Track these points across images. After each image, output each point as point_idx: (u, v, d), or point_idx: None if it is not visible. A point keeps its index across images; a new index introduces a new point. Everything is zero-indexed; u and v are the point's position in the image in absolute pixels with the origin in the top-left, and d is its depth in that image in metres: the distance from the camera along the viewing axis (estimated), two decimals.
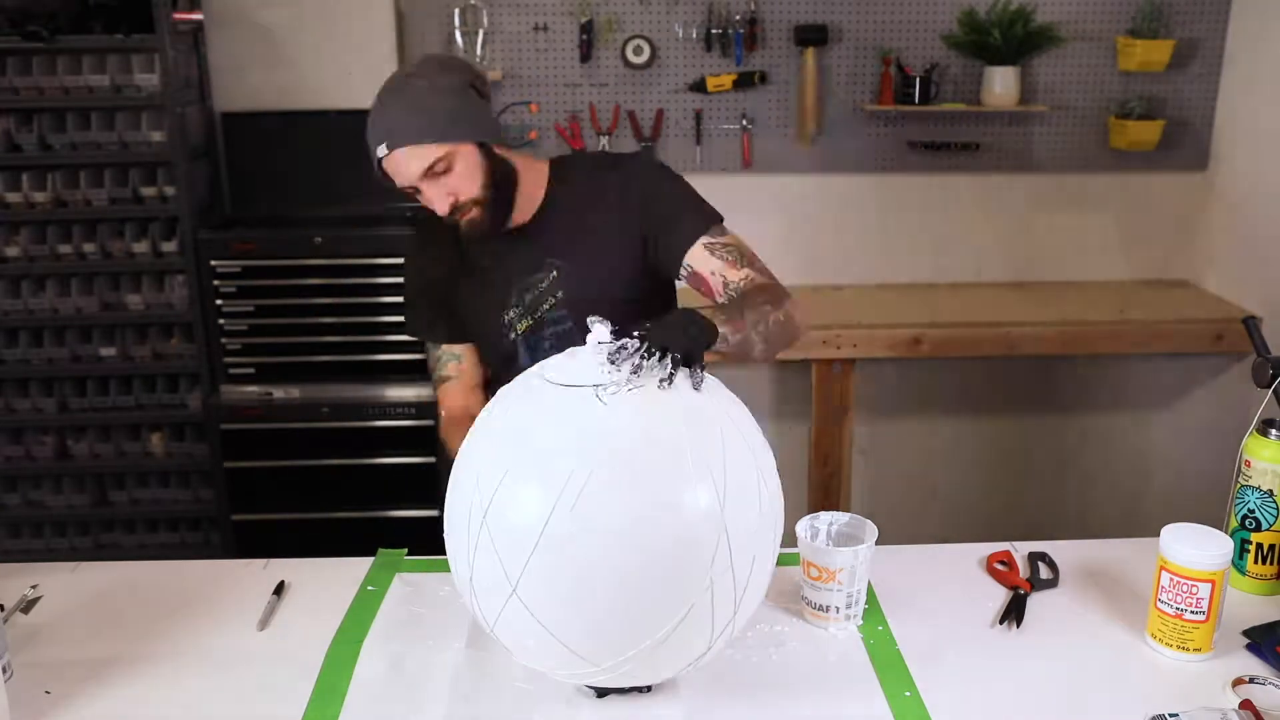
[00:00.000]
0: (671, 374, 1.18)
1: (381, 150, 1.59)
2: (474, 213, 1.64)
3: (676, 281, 1.75)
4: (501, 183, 1.66)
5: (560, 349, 1.64)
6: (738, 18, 3.17)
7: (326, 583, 1.56)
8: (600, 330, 1.22)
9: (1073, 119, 3.32)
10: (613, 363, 1.18)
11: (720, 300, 1.63)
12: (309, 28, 3.12)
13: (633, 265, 1.71)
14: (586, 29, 3.16)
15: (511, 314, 1.74)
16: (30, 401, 3.03)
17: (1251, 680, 1.31)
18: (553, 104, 3.23)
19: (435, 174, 1.60)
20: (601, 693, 1.28)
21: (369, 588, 1.56)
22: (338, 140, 3.10)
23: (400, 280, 1.89)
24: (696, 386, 1.20)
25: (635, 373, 1.17)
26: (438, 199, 1.62)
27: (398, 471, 2.97)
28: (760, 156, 3.29)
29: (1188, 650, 1.35)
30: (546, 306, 1.72)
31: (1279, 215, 3.01)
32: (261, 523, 3.02)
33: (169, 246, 2.94)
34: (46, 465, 3.08)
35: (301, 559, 1.63)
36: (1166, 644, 1.36)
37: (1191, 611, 1.33)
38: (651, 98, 3.24)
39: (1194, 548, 1.33)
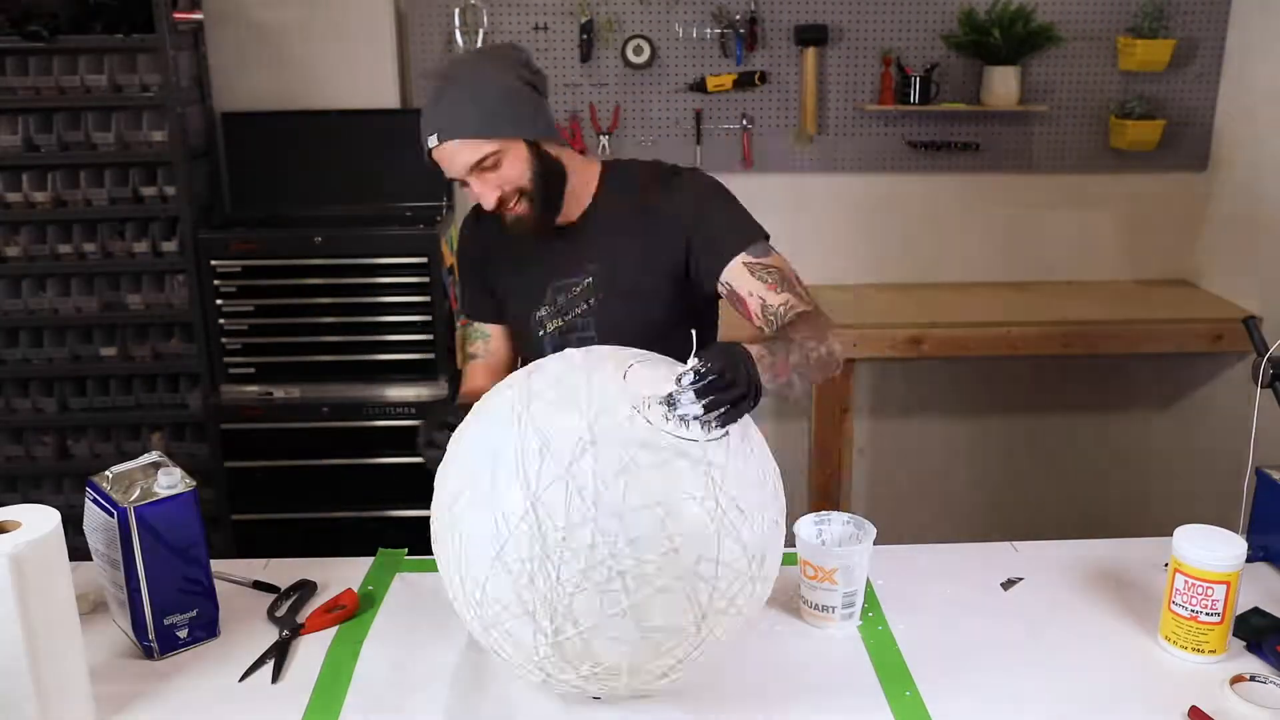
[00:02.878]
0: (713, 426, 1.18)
1: (432, 141, 1.60)
2: (520, 207, 1.63)
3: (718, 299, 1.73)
4: (550, 181, 1.64)
5: None
6: (738, 18, 3.17)
7: (326, 583, 1.56)
8: (629, 372, 1.22)
9: (1073, 119, 3.32)
10: (672, 402, 1.18)
11: (758, 324, 1.61)
12: (309, 28, 3.12)
13: (669, 283, 1.68)
14: (586, 29, 3.16)
15: (543, 312, 1.73)
16: (30, 401, 3.03)
17: (1252, 679, 1.31)
18: (553, 104, 3.20)
19: (484, 168, 1.59)
20: (600, 693, 1.28)
21: (369, 588, 1.56)
22: (338, 140, 3.11)
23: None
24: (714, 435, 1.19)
25: (684, 421, 1.17)
26: (485, 192, 1.61)
27: (398, 471, 2.97)
28: (760, 156, 3.29)
29: (1203, 652, 1.35)
30: (578, 311, 1.71)
31: (1279, 215, 3.01)
32: (261, 522, 3.02)
33: (169, 246, 2.94)
34: (46, 465, 3.09)
35: (301, 559, 1.63)
36: (1181, 646, 1.36)
37: (1206, 614, 1.33)
38: (651, 98, 3.24)
39: (1208, 550, 1.33)
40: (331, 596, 1.51)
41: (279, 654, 1.36)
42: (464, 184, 1.62)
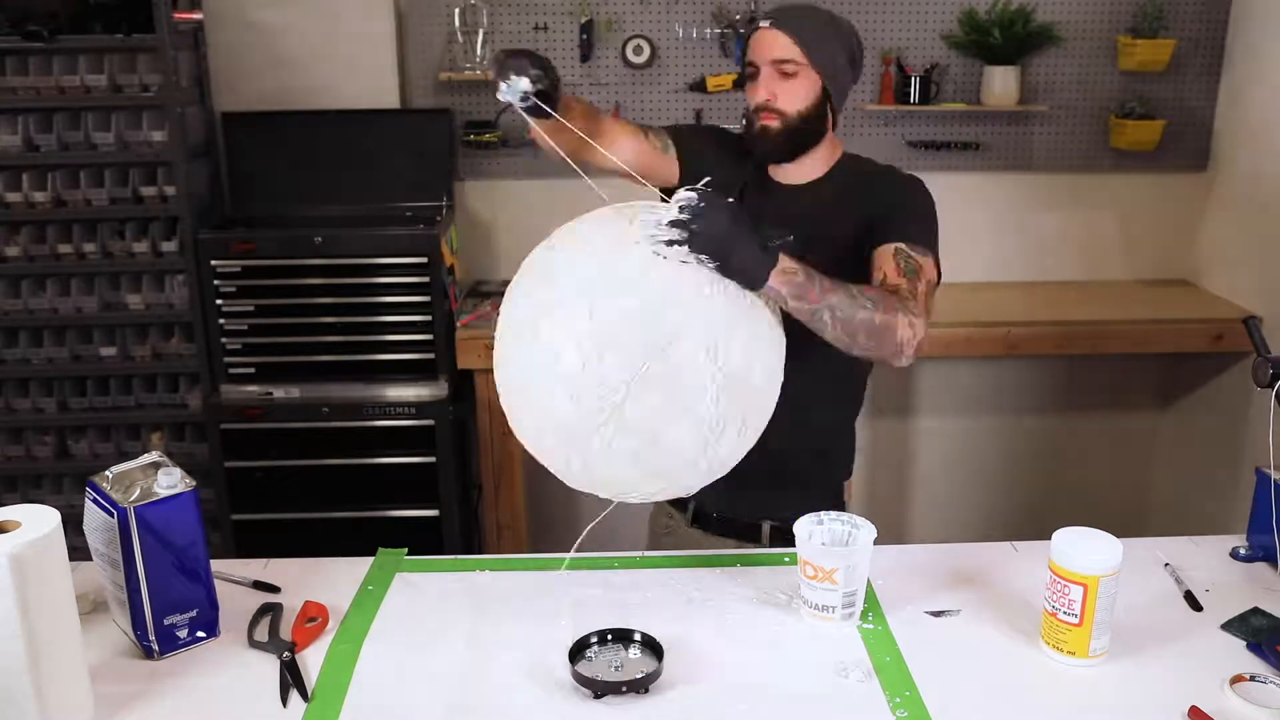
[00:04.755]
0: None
1: (765, 22, 1.69)
2: (775, 122, 1.69)
3: None
4: (811, 124, 1.71)
5: None
6: (738, 18, 3.17)
7: (326, 583, 1.56)
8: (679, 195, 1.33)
9: (1073, 119, 3.32)
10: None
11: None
12: (309, 28, 3.12)
13: (852, 268, 1.64)
14: (586, 29, 3.15)
15: None
16: (30, 401, 3.03)
17: (1252, 679, 1.31)
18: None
19: (782, 70, 1.67)
20: (600, 693, 1.28)
21: (369, 588, 1.56)
22: (338, 140, 3.11)
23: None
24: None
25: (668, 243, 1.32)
26: (762, 87, 1.68)
27: (398, 471, 2.97)
28: None
29: (1063, 651, 1.36)
30: None
31: (1279, 215, 3.01)
32: (261, 523, 3.01)
33: (169, 246, 2.94)
34: (46, 465, 3.09)
35: (301, 559, 1.63)
36: (1046, 640, 1.37)
37: (1065, 613, 1.34)
38: (651, 98, 3.24)
39: (1074, 549, 1.33)
40: (298, 612, 1.48)
41: (293, 675, 1.34)
42: (753, 72, 1.69)
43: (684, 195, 1.33)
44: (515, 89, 1.46)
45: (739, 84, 3.19)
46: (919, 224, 1.69)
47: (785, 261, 1.38)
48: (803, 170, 1.76)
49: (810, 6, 1.73)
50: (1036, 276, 3.44)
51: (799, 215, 1.70)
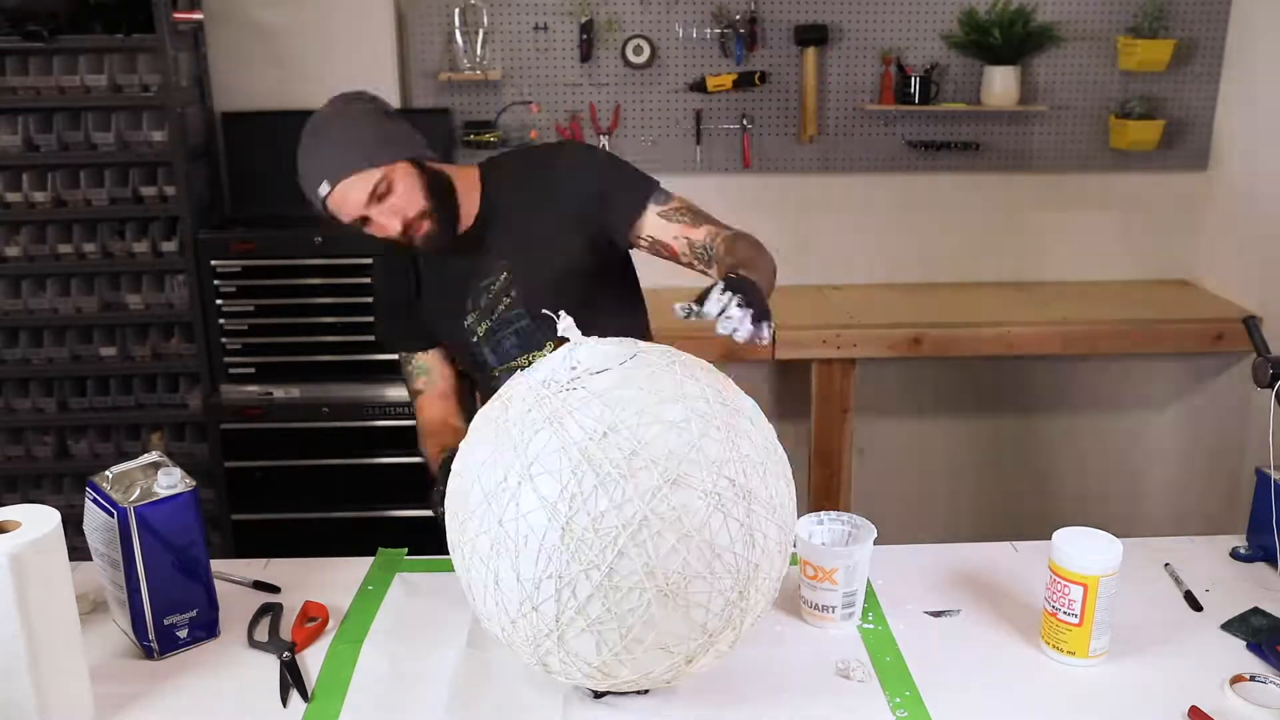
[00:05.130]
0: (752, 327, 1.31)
1: (324, 189, 1.62)
2: (425, 226, 1.66)
3: (631, 252, 1.79)
4: (443, 192, 1.68)
5: (523, 347, 1.68)
6: (738, 18, 3.17)
7: (326, 583, 1.56)
8: (566, 323, 1.24)
9: (1073, 119, 3.32)
10: (700, 304, 1.31)
11: (686, 261, 1.70)
12: (309, 28, 3.12)
13: (580, 252, 1.73)
14: (586, 29, 3.15)
15: (470, 319, 1.77)
16: (30, 401, 3.03)
17: (1252, 679, 1.31)
18: (553, 104, 3.23)
19: (379, 198, 1.61)
20: (599, 694, 1.28)
21: (369, 588, 1.56)
22: None
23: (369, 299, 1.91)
24: (764, 339, 1.31)
25: (721, 313, 1.30)
26: (387, 222, 1.63)
27: (398, 471, 2.97)
28: (760, 156, 3.29)
29: (1062, 651, 1.36)
30: (502, 307, 1.75)
31: (1279, 215, 3.01)
32: (261, 522, 3.01)
33: (169, 246, 2.94)
34: (46, 465, 3.09)
35: (301, 559, 1.63)
36: (1046, 640, 1.37)
37: (1065, 613, 1.34)
38: (651, 98, 3.24)
39: (1075, 549, 1.33)
40: (298, 612, 1.48)
41: (293, 675, 1.34)
42: (364, 223, 1.64)
43: (713, 297, 1.32)
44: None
45: (739, 84, 3.20)
46: (627, 179, 1.73)
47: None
48: (465, 216, 1.73)
49: (323, 132, 1.65)
50: (1036, 276, 3.44)
51: (495, 250, 1.73)
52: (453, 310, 1.78)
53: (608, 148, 3.22)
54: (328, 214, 1.65)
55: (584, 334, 1.23)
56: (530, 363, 1.60)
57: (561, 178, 1.74)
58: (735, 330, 1.30)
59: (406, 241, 1.68)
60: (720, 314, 1.30)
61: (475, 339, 1.78)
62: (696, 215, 1.71)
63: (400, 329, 1.88)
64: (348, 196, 1.61)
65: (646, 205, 1.71)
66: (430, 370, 1.87)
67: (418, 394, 1.89)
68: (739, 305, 1.30)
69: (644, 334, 1.82)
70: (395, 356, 1.94)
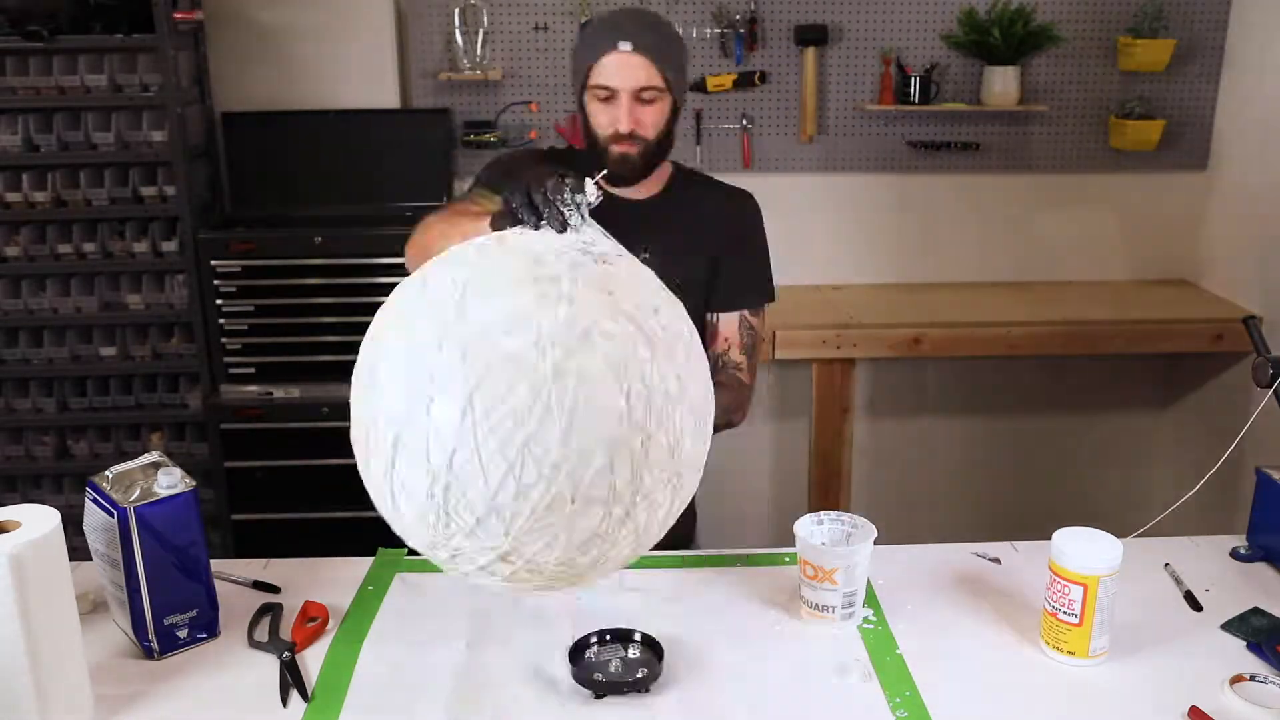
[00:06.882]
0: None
1: (626, 46, 1.61)
2: (634, 150, 1.68)
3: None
4: (665, 145, 1.72)
5: None
6: (738, 18, 3.17)
7: (326, 583, 1.56)
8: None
9: (1073, 119, 3.32)
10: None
11: (708, 355, 1.66)
12: (309, 28, 3.12)
13: (700, 282, 1.77)
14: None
15: None
16: (30, 401, 3.03)
17: (1252, 678, 1.31)
18: (553, 104, 3.23)
19: (640, 97, 1.64)
20: (600, 693, 1.28)
21: (369, 588, 1.56)
22: (338, 140, 3.11)
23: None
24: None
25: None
26: (624, 115, 1.65)
27: None
28: (760, 156, 3.29)
29: (1062, 651, 1.36)
30: None
31: (1279, 215, 3.01)
32: (261, 523, 3.02)
33: (169, 246, 2.94)
34: (46, 465, 3.09)
35: (301, 559, 1.63)
36: (1045, 640, 1.37)
37: (1065, 613, 1.34)
38: None
39: (1074, 549, 1.33)
40: (298, 612, 1.48)
41: (293, 675, 1.34)
42: (607, 96, 1.64)
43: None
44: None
45: (739, 84, 3.20)
46: (758, 273, 1.80)
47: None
48: (646, 185, 1.77)
49: (658, 21, 1.70)
50: (1036, 276, 3.44)
51: (648, 232, 1.69)
52: None
53: None
54: (586, 67, 1.65)
55: None
56: None
57: (732, 218, 1.80)
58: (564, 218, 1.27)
59: (590, 147, 1.69)
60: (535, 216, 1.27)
61: None
62: (752, 350, 1.78)
63: (519, 168, 1.74)
64: (632, 71, 1.62)
65: (746, 308, 1.78)
66: (491, 199, 1.71)
67: (461, 200, 1.77)
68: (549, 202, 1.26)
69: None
70: None
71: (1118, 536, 1.37)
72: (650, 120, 1.67)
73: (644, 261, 1.54)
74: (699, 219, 1.78)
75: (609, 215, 1.70)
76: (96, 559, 1.41)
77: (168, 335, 3.04)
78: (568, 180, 1.29)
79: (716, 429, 1.31)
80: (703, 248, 1.76)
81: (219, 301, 2.91)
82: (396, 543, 1.68)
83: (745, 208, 1.83)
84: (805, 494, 3.17)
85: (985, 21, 3.15)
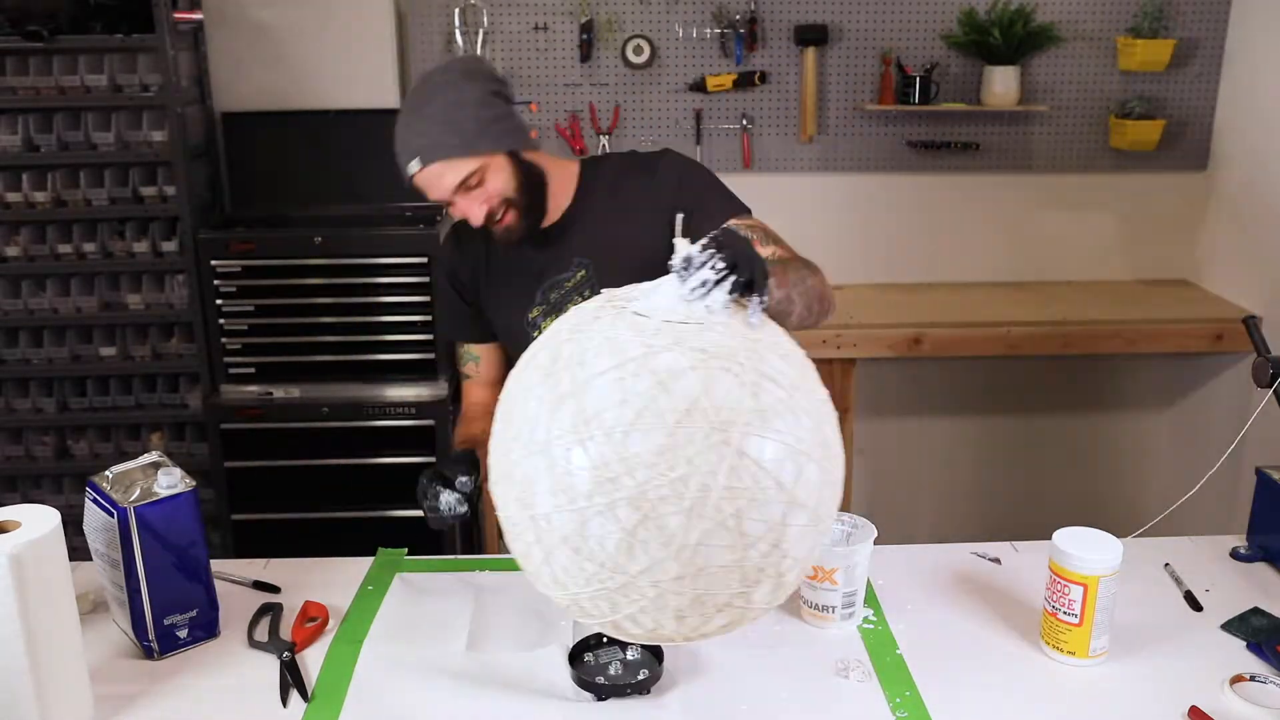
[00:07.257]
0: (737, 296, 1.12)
1: (414, 166, 1.57)
2: (509, 218, 1.63)
3: None
4: (534, 187, 1.65)
5: None
6: (738, 18, 3.17)
7: (326, 583, 1.56)
8: (682, 244, 1.13)
9: (1073, 119, 3.32)
10: (681, 277, 1.12)
11: None
12: (309, 28, 3.12)
13: (664, 256, 1.69)
14: (586, 29, 3.15)
15: (535, 312, 1.73)
16: (30, 401, 3.03)
17: (1252, 678, 1.31)
18: (553, 104, 3.23)
19: (469, 187, 1.59)
20: (601, 695, 1.28)
21: (369, 588, 1.56)
22: (338, 140, 3.11)
23: (424, 280, 1.88)
24: (754, 318, 1.14)
25: (703, 287, 1.11)
26: (472, 209, 1.60)
27: (398, 471, 2.97)
28: (760, 156, 3.29)
29: (1062, 651, 1.36)
30: (572, 305, 1.71)
31: (1279, 215, 3.01)
32: (261, 523, 3.01)
33: (169, 246, 2.94)
34: (46, 465, 3.09)
35: (301, 559, 1.63)
36: (1046, 640, 1.38)
37: (1065, 613, 1.34)
38: (651, 98, 3.24)
39: (1075, 549, 1.33)
40: (298, 612, 1.48)
41: (293, 675, 1.34)
42: (449, 204, 1.61)
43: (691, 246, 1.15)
44: (453, 512, 1.54)
45: (739, 84, 3.20)
46: (719, 196, 1.70)
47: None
48: (553, 207, 1.71)
49: (428, 101, 1.57)
50: (1036, 276, 3.44)
51: (578, 247, 1.70)
52: (517, 301, 1.74)
53: (607, 148, 3.22)
54: (413, 188, 1.62)
55: None
56: None
57: (655, 182, 1.70)
58: (705, 293, 1.12)
59: (485, 228, 1.65)
60: (688, 270, 1.13)
61: (535, 333, 1.72)
62: (768, 236, 1.66)
63: (459, 317, 1.83)
64: (438, 180, 1.57)
65: (730, 217, 1.66)
66: (481, 360, 1.84)
67: (465, 378, 1.87)
68: (713, 267, 1.12)
69: None
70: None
71: (1118, 536, 1.37)
72: (491, 192, 1.59)
73: (583, 276, 1.54)
74: (625, 206, 1.70)
75: (532, 252, 1.71)
76: (96, 559, 1.41)
77: (168, 335, 3.04)
78: (431, 484, 1.55)
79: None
80: (644, 224, 1.67)
81: (219, 301, 2.91)
82: (396, 543, 1.69)
83: (661, 163, 1.72)
84: None
85: (985, 21, 3.15)
